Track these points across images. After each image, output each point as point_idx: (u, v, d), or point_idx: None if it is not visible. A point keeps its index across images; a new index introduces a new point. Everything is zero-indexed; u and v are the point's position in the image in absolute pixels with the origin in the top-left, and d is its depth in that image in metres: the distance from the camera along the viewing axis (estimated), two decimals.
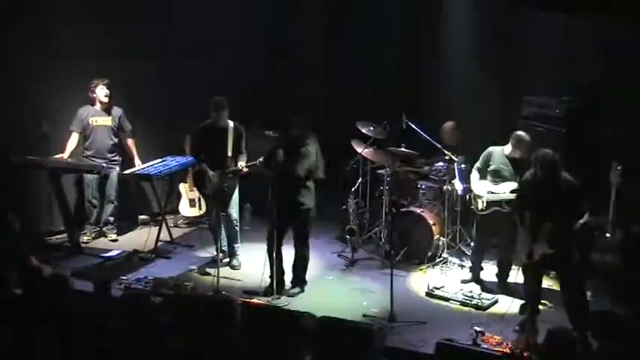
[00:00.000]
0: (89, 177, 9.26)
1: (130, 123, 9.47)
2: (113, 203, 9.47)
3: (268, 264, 8.02)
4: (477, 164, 8.29)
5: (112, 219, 9.55)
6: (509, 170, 8.00)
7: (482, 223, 8.32)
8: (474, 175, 8.26)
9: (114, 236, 9.56)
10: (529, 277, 7.17)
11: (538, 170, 6.99)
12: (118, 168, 9.34)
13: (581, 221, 6.91)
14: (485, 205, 8.10)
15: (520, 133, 8.01)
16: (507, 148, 8.01)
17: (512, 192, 7.87)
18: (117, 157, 9.35)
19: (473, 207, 8.31)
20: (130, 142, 9.44)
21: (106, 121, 9.24)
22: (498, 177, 8.07)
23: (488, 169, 8.14)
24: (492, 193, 8.07)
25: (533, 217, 6.99)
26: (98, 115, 9.22)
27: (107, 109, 9.23)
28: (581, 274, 7.17)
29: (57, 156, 9.05)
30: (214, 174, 8.38)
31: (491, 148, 8.17)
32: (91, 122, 9.19)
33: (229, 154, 8.42)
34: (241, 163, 8.38)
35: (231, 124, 8.48)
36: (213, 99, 8.43)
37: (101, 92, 9.14)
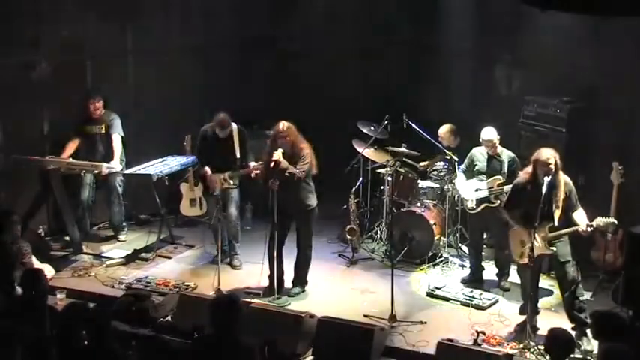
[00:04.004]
0: (89, 178, 9.22)
1: (124, 126, 9.37)
2: (116, 208, 9.45)
3: (268, 264, 8.03)
4: (462, 166, 8.41)
5: (116, 224, 9.53)
6: (490, 167, 8.17)
7: (473, 222, 8.40)
8: (460, 177, 8.36)
9: (124, 237, 9.55)
10: (527, 278, 7.17)
11: (538, 170, 6.99)
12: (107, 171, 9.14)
13: (587, 223, 6.88)
14: (475, 203, 8.16)
15: (484, 130, 8.11)
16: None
17: (499, 185, 8.01)
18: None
19: (464, 207, 8.35)
20: (114, 140, 9.24)
21: (100, 128, 9.16)
22: (483, 174, 8.21)
23: (474, 170, 8.29)
24: (480, 190, 8.13)
25: (529, 217, 6.99)
26: (91, 123, 9.17)
27: (99, 118, 9.17)
28: (580, 274, 7.16)
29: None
30: (225, 176, 8.43)
31: (473, 150, 8.33)
32: (87, 129, 9.20)
33: (237, 155, 8.50)
34: (253, 163, 8.43)
35: (234, 126, 8.51)
36: (218, 117, 8.43)
37: (91, 107, 9.11)
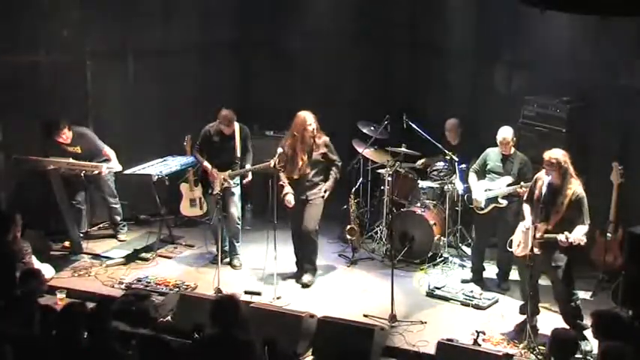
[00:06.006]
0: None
1: (124, 127, 9.31)
2: (112, 206, 9.44)
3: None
4: (474, 166, 8.39)
5: (118, 218, 9.53)
6: (504, 167, 8.15)
7: (481, 222, 8.38)
8: (472, 176, 8.34)
9: (123, 237, 9.54)
10: (526, 278, 7.17)
11: (548, 170, 6.96)
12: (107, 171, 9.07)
13: (566, 234, 6.81)
14: (484, 204, 8.17)
15: (500, 129, 8.10)
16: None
17: (508, 185, 8.03)
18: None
19: (473, 206, 8.35)
20: (106, 151, 9.10)
21: (76, 149, 8.98)
22: (495, 174, 8.20)
23: (486, 169, 8.27)
24: (490, 190, 8.14)
25: (536, 215, 6.99)
26: (66, 145, 8.96)
27: (71, 142, 8.94)
28: (573, 280, 7.15)
29: None
30: (225, 175, 8.47)
31: (488, 150, 8.30)
32: (65, 150, 9.01)
33: (238, 154, 8.52)
34: (248, 166, 8.51)
35: (236, 125, 8.52)
36: (222, 113, 8.44)
37: (60, 140, 8.88)
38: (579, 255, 7.21)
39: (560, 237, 6.81)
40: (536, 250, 6.98)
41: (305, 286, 8.30)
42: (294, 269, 8.58)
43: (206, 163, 8.56)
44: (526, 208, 7.24)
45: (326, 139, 8.29)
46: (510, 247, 7.34)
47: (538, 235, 6.92)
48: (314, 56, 10.58)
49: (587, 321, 6.72)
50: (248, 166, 8.51)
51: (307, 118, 8.11)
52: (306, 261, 8.44)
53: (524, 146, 8.46)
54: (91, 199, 9.52)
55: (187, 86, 10.30)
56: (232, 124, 8.49)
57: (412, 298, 8.11)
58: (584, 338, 6.91)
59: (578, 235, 6.82)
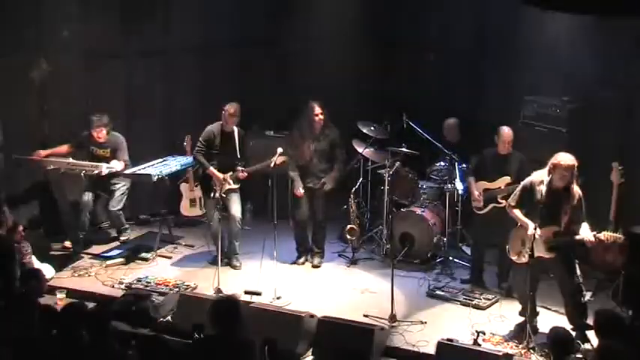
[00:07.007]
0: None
1: (124, 127, 9.30)
2: (117, 214, 9.34)
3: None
4: (473, 167, 8.41)
5: (119, 227, 9.47)
6: (503, 167, 8.14)
7: (481, 222, 8.38)
8: (470, 177, 8.36)
9: (125, 237, 9.49)
10: (521, 280, 7.15)
11: (556, 173, 6.92)
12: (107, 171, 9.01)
13: (595, 234, 6.80)
14: (483, 204, 8.17)
15: (500, 128, 8.10)
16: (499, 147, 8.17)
17: (507, 185, 8.02)
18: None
19: (473, 206, 8.35)
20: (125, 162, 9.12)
21: (105, 152, 9.07)
22: (493, 174, 8.19)
23: (485, 169, 8.28)
24: (489, 190, 8.14)
25: (535, 218, 6.97)
26: (96, 146, 9.07)
27: (104, 142, 9.05)
28: (582, 278, 7.14)
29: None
30: (226, 176, 8.48)
31: (484, 150, 8.32)
32: (91, 150, 9.11)
33: (239, 155, 8.55)
34: (239, 168, 8.52)
35: (235, 128, 8.53)
36: (231, 107, 8.45)
37: (95, 133, 8.97)
38: (579, 255, 7.21)
39: (589, 237, 6.80)
40: (545, 254, 6.96)
41: (315, 267, 8.84)
42: (294, 267, 8.66)
43: (212, 168, 8.55)
44: (517, 213, 7.17)
45: (336, 132, 8.68)
46: (510, 254, 7.30)
47: (546, 238, 6.90)
48: (314, 56, 10.58)
49: (590, 321, 6.72)
50: (240, 168, 8.51)
51: (315, 107, 8.55)
52: (316, 246, 8.92)
53: (524, 146, 8.45)
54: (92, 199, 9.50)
55: (187, 86, 10.30)
56: (235, 118, 8.50)
57: (412, 298, 8.11)
58: (586, 338, 6.90)
59: (588, 231, 6.83)
